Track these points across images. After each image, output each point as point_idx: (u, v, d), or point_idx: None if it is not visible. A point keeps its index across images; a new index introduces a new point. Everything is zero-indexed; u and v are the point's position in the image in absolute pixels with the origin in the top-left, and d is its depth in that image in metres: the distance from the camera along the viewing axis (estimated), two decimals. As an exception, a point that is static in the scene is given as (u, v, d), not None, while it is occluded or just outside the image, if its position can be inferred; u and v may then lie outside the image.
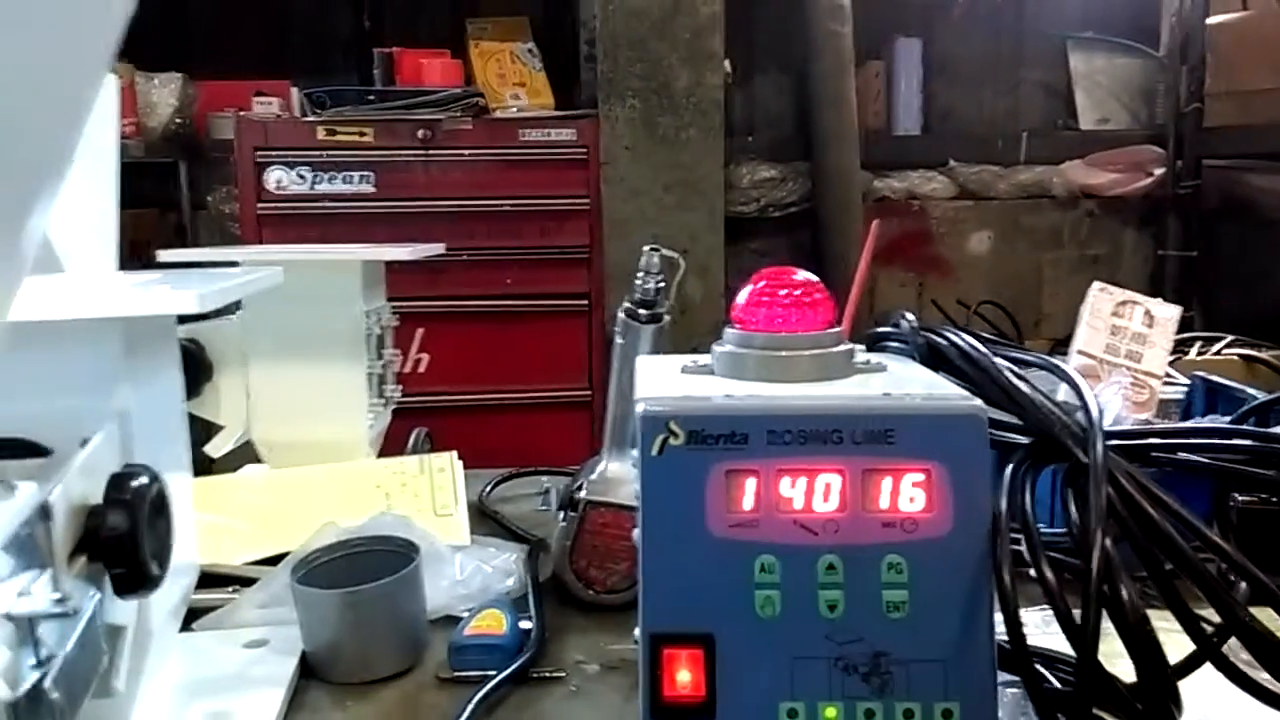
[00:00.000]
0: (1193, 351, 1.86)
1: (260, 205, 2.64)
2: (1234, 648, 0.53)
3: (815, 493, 0.55)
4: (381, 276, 1.28)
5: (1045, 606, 0.54)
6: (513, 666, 0.74)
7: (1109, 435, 0.58)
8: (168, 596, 0.67)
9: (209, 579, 0.88)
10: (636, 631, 0.56)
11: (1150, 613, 0.52)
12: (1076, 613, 0.52)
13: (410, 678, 0.76)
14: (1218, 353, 1.86)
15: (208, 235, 3.20)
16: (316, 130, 2.64)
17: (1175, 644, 0.54)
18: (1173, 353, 1.18)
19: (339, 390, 1.18)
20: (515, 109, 2.79)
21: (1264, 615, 0.53)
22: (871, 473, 0.55)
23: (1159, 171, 3.35)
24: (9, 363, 0.46)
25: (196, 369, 1.14)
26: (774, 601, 0.55)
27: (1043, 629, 0.66)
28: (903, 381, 0.61)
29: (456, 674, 0.75)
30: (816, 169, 3.12)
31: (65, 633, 0.43)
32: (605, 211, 2.73)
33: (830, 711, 0.54)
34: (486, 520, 1.11)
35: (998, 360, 0.65)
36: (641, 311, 0.88)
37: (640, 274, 0.89)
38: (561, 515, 0.88)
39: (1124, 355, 1.13)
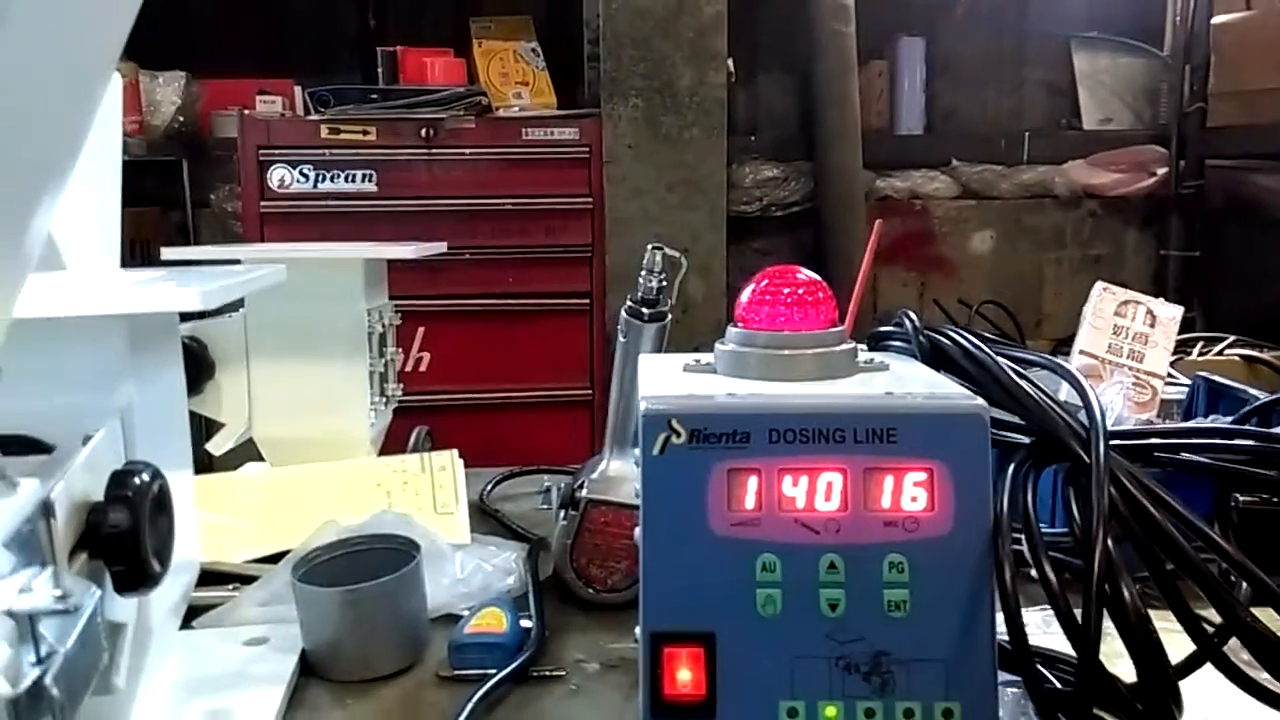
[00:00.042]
0: (1194, 352, 1.86)
1: (263, 204, 2.65)
2: (1235, 648, 0.53)
3: (817, 492, 0.55)
4: (383, 275, 1.28)
5: (1046, 606, 0.54)
6: (513, 665, 0.74)
7: (1111, 435, 0.58)
8: (168, 594, 0.67)
9: (209, 577, 0.88)
10: (637, 630, 0.56)
11: (1151, 613, 0.52)
12: (1077, 613, 0.52)
13: (410, 676, 0.76)
14: (1219, 353, 1.86)
15: (210, 233, 3.20)
16: (319, 129, 2.64)
17: (1176, 644, 0.54)
18: (1174, 353, 1.18)
19: (340, 388, 1.19)
20: (518, 108, 2.79)
21: (1265, 615, 0.53)
22: (873, 472, 0.55)
23: (1162, 171, 3.35)
24: (12, 359, 0.46)
25: (198, 367, 1.14)
26: (775, 600, 0.55)
27: (1043, 629, 0.66)
28: (905, 381, 0.61)
29: (457, 672, 0.75)
30: (819, 168, 3.12)
31: (66, 630, 0.43)
32: (607, 210, 2.73)
33: (831, 710, 0.54)
34: (487, 519, 1.11)
35: (1000, 360, 0.65)
36: (644, 310, 0.88)
37: (643, 273, 0.89)
38: (562, 514, 0.88)
39: (1126, 355, 1.13)
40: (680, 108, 2.72)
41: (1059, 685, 0.61)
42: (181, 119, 3.07)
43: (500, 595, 0.85)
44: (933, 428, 0.55)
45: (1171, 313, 1.16)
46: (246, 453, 1.20)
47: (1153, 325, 1.14)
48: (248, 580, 0.89)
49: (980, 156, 3.39)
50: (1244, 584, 0.54)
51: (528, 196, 2.71)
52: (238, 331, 1.17)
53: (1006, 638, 0.54)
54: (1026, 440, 0.62)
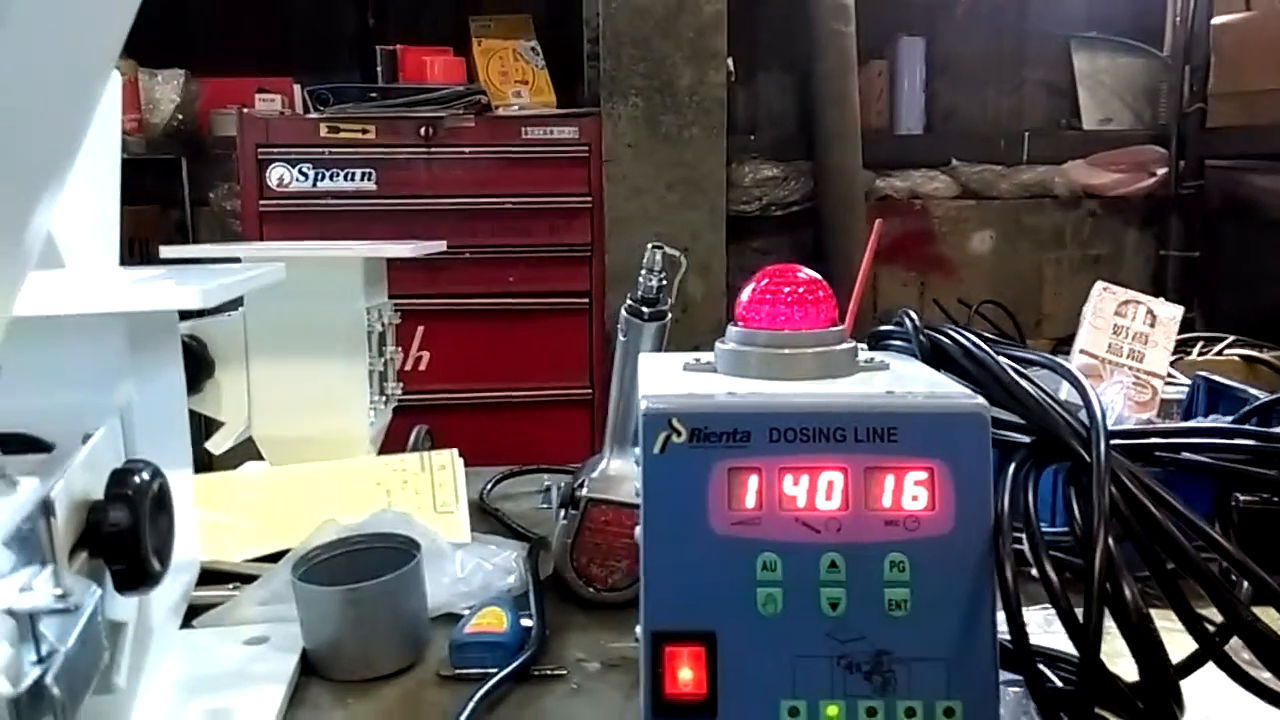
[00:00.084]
0: (1194, 352, 1.86)
1: (262, 202, 2.65)
2: (1236, 647, 0.53)
3: (817, 491, 0.55)
4: (383, 274, 1.28)
5: (1047, 605, 0.54)
6: (514, 664, 0.74)
7: (1111, 435, 0.58)
8: (168, 593, 0.67)
9: (210, 576, 0.88)
10: (638, 629, 0.56)
11: (1152, 612, 0.52)
12: (1078, 612, 0.52)
13: (411, 675, 0.76)
14: (1219, 353, 1.86)
15: (209, 232, 3.20)
16: (319, 127, 2.64)
17: (1177, 643, 0.54)
18: (1174, 353, 1.18)
19: (340, 387, 1.18)
20: (517, 107, 2.79)
21: (1266, 614, 0.53)
22: (874, 471, 0.55)
23: (1161, 172, 3.35)
24: (11, 358, 0.46)
25: (198, 365, 1.14)
26: (776, 599, 0.55)
27: (1044, 628, 0.66)
28: (905, 380, 0.61)
29: (457, 671, 0.75)
30: (819, 168, 3.12)
31: (66, 629, 0.43)
32: (607, 209, 2.73)
33: (832, 710, 0.54)
34: (487, 518, 1.11)
35: (1001, 359, 0.65)
36: (644, 309, 0.88)
37: (643, 272, 0.89)
38: (562, 513, 0.88)
39: (1126, 355, 1.13)
40: (680, 107, 2.72)
41: (1060, 684, 0.61)
42: (180, 117, 3.07)
43: (501, 594, 0.85)
44: (933, 427, 0.55)
45: (1171, 312, 1.16)
46: (246, 452, 1.20)
47: (1153, 325, 1.14)
48: (248, 579, 0.89)
49: (980, 156, 3.39)
50: (1245, 583, 0.54)
51: (527, 195, 2.71)
52: (237, 330, 1.17)
53: (1008, 637, 0.54)
54: (1027, 439, 0.62)
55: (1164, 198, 3.39)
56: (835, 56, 2.98)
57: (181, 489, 0.66)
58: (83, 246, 0.79)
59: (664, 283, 0.89)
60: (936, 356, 0.69)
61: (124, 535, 0.50)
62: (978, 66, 3.48)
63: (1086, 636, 0.52)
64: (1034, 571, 0.55)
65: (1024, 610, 0.53)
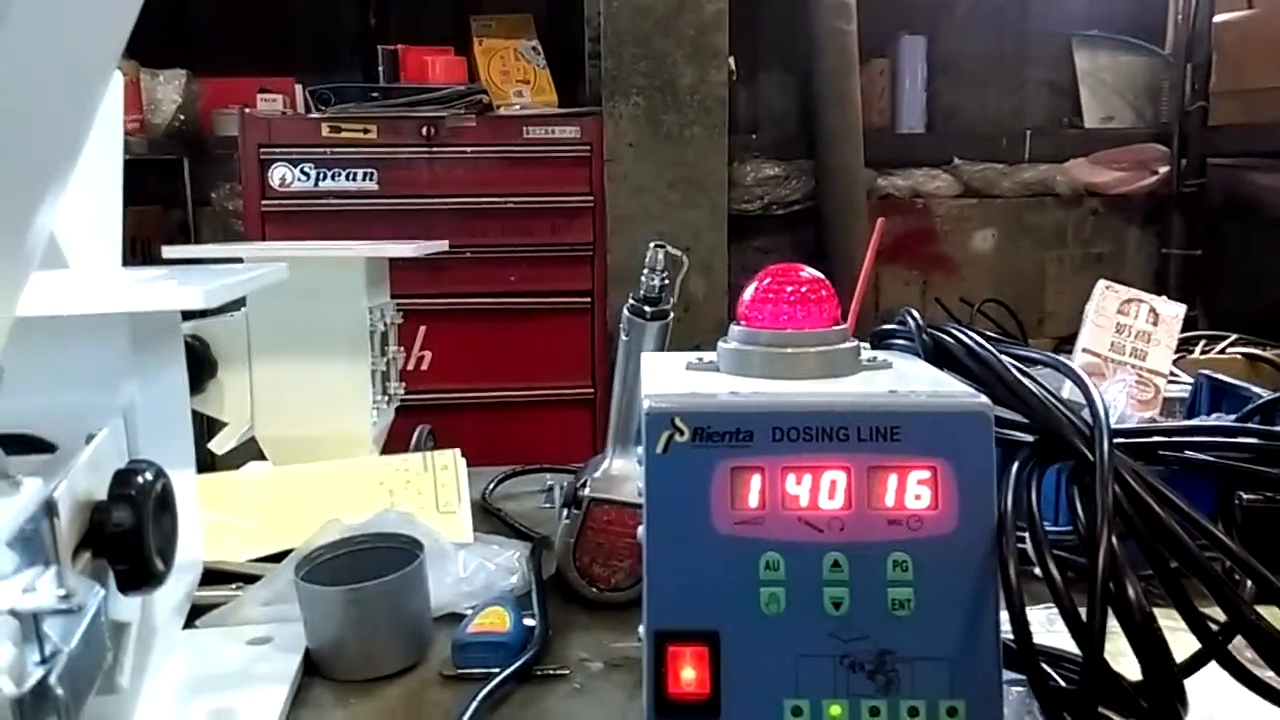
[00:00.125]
0: (1197, 350, 1.86)
1: (264, 202, 2.65)
2: (1240, 646, 0.53)
3: (820, 490, 0.55)
4: (385, 273, 1.28)
5: (1050, 605, 0.54)
6: (516, 664, 0.74)
7: (1115, 433, 0.58)
8: (172, 593, 0.67)
9: (212, 576, 0.88)
10: (641, 629, 0.56)
11: (1156, 611, 0.52)
12: (1082, 611, 0.52)
13: (414, 675, 0.76)
14: (1221, 351, 1.86)
15: (211, 232, 3.20)
16: (320, 127, 2.64)
17: (1181, 642, 0.54)
18: (1176, 351, 1.18)
19: (342, 387, 1.18)
20: (519, 106, 2.79)
21: (1270, 613, 0.53)
22: (877, 470, 0.55)
23: (1163, 170, 3.34)
24: (14, 358, 0.46)
25: (200, 365, 1.14)
26: (779, 599, 0.55)
27: (1048, 627, 0.65)
28: (908, 379, 0.61)
29: (460, 671, 0.75)
30: (820, 167, 3.12)
31: (70, 629, 0.43)
32: (609, 209, 2.73)
33: (835, 709, 0.54)
34: (490, 518, 1.11)
35: (1004, 358, 0.65)
36: (646, 308, 0.88)
37: (645, 271, 0.89)
38: (565, 513, 0.88)
39: (1129, 353, 1.13)
40: (681, 106, 2.72)
41: (1064, 684, 0.61)
42: (182, 117, 3.07)
43: (503, 594, 0.85)
44: (937, 426, 0.55)
45: (1174, 311, 1.16)
46: (249, 452, 1.20)
47: (1155, 323, 1.14)
48: (251, 579, 0.89)
49: (982, 155, 3.39)
50: (1248, 582, 0.54)
51: (529, 195, 2.71)
52: (240, 330, 1.17)
53: (1011, 636, 0.54)
54: (1030, 438, 0.62)
55: (1166, 196, 3.38)
56: (837, 55, 2.97)
57: (184, 489, 0.66)
58: (85, 247, 0.79)
59: (666, 282, 0.89)
60: (939, 355, 0.69)
61: (127, 535, 0.50)
62: (979, 65, 3.47)
63: (1090, 636, 0.52)
64: (1037, 570, 0.55)
65: (1027, 609, 0.53)
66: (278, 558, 0.91)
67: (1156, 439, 0.65)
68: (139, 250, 2.78)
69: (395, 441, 1.28)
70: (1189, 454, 0.65)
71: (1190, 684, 0.54)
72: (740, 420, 0.55)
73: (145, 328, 0.64)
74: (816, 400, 0.57)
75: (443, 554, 0.88)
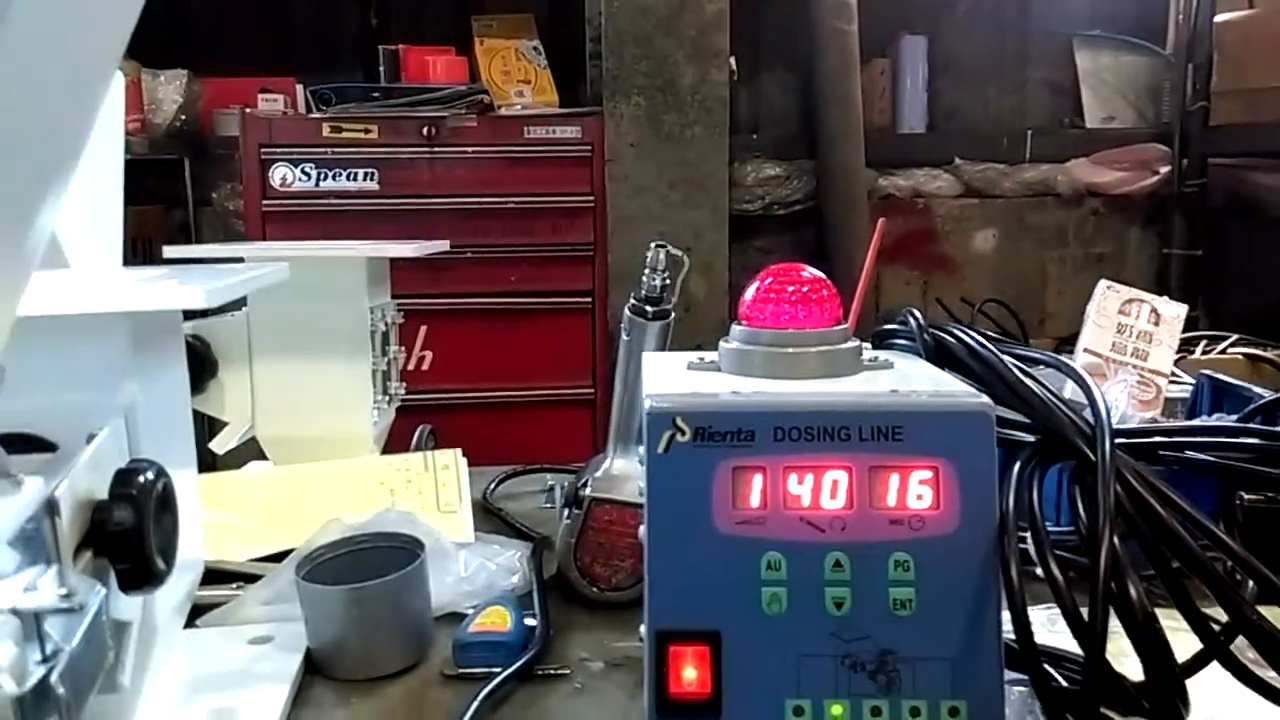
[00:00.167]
0: (1198, 350, 1.86)
1: (265, 202, 2.65)
2: (1241, 646, 0.53)
3: (822, 490, 0.55)
4: (386, 273, 1.28)
5: (1052, 605, 0.54)
6: (517, 664, 0.74)
7: (1116, 433, 0.58)
8: (173, 592, 0.67)
9: (213, 575, 0.88)
10: (642, 629, 0.56)
11: (1158, 611, 0.52)
12: (1084, 611, 0.52)
13: (415, 674, 0.76)
14: (1222, 351, 1.85)
15: (211, 232, 3.20)
16: (321, 127, 2.64)
17: (1183, 642, 0.54)
18: (1178, 352, 1.18)
19: (343, 387, 1.19)
20: (520, 106, 2.79)
21: (1272, 614, 0.53)
22: (879, 470, 0.55)
23: (1164, 170, 3.34)
24: (15, 358, 0.46)
25: (201, 365, 1.14)
26: (780, 599, 0.55)
27: (1049, 627, 0.65)
28: (910, 379, 0.61)
29: (461, 671, 0.75)
30: (821, 167, 3.12)
31: (71, 628, 0.43)
32: (610, 209, 2.73)
33: (836, 709, 0.54)
34: (491, 517, 1.11)
35: (1005, 358, 0.65)
36: (648, 308, 0.88)
37: (647, 270, 0.89)
38: (566, 512, 0.88)
39: (1130, 354, 1.13)
40: (682, 106, 2.72)
41: (1065, 684, 0.61)
42: (183, 117, 3.07)
43: (504, 594, 0.85)
44: (938, 426, 0.55)
45: (1176, 311, 1.16)
46: (250, 451, 1.20)
47: (1157, 323, 1.14)
48: (252, 579, 0.89)
49: (983, 155, 3.38)
50: (1250, 582, 0.54)
51: (530, 195, 2.71)
52: (241, 330, 1.17)
53: (1013, 636, 0.54)
54: (1032, 438, 0.62)
55: (1167, 196, 3.38)
56: (837, 55, 2.97)
57: (185, 488, 0.66)
58: (86, 247, 0.79)
59: (667, 282, 0.89)
60: (941, 355, 0.69)
61: (128, 535, 0.50)
62: (980, 65, 3.47)
63: (1092, 636, 0.52)
64: (1039, 570, 0.55)
65: (1029, 609, 0.53)
66: (279, 557, 0.91)
67: (1158, 439, 0.65)
68: (140, 250, 2.78)
69: (396, 441, 1.28)
70: (1190, 454, 0.65)
71: (1192, 684, 0.54)
72: (742, 420, 0.55)
73: (146, 327, 0.64)
74: (818, 400, 0.57)
75: (444, 553, 0.88)
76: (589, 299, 2.78)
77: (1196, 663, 0.55)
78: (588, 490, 0.87)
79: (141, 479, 0.51)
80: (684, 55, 2.70)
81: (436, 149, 2.67)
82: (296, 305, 1.14)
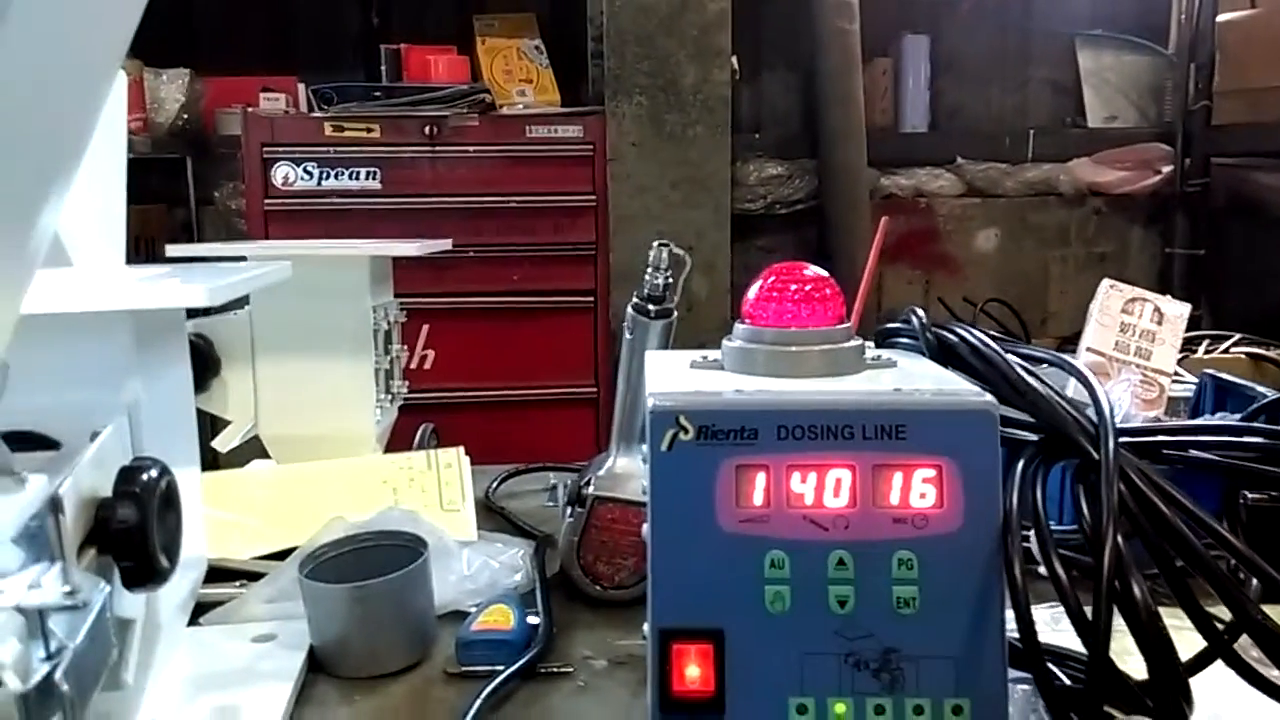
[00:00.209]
0: (1201, 350, 1.85)
1: (267, 201, 2.65)
2: (1245, 644, 0.53)
3: (825, 488, 0.55)
4: (389, 272, 1.28)
5: (1056, 603, 0.54)
6: (520, 662, 0.74)
7: (1120, 432, 0.58)
8: (176, 590, 0.67)
9: (217, 573, 0.88)
10: (645, 627, 0.56)
11: (1161, 609, 0.52)
12: (1087, 610, 0.52)
13: (418, 672, 0.76)
14: (1225, 351, 1.85)
15: (214, 231, 3.20)
16: (323, 126, 2.64)
17: (1186, 641, 0.54)
18: (1181, 351, 1.18)
19: (346, 385, 1.19)
20: (522, 105, 2.79)
21: (1275, 612, 0.53)
22: (882, 468, 0.55)
23: (1167, 169, 3.34)
24: (19, 356, 0.46)
25: (204, 364, 1.14)
26: (784, 597, 0.55)
27: (1053, 626, 0.65)
28: (913, 377, 0.61)
29: (464, 669, 0.75)
30: (823, 166, 3.12)
31: (75, 625, 0.43)
32: (612, 208, 2.73)
33: (840, 707, 0.54)
34: (493, 516, 1.11)
35: (1009, 356, 0.65)
36: (650, 307, 0.88)
37: (649, 269, 0.89)
38: (569, 511, 0.88)
39: (1133, 353, 1.13)
40: (684, 105, 2.72)
41: (1069, 682, 0.61)
42: (186, 116, 3.07)
43: (507, 592, 0.85)
44: (942, 424, 0.55)
45: (1179, 310, 1.16)
46: (253, 450, 1.20)
47: (1160, 323, 1.14)
48: (255, 577, 0.89)
49: (985, 154, 3.38)
50: (1254, 580, 0.54)
51: (532, 194, 2.71)
52: (243, 328, 1.17)
53: (1016, 635, 0.54)
54: (1035, 437, 0.62)
55: (1169, 195, 3.38)
56: (839, 54, 2.97)
57: (189, 486, 0.67)
58: (89, 245, 0.79)
59: (670, 281, 0.89)
60: (944, 354, 0.69)
61: (132, 532, 0.50)
62: (982, 64, 3.47)
63: (1095, 634, 0.52)
64: (1042, 569, 0.55)
65: (1032, 608, 0.53)
66: (282, 555, 0.91)
67: (1161, 438, 0.65)
68: (142, 249, 2.78)
69: (398, 440, 1.28)
70: (1194, 453, 0.65)
71: (1195, 682, 0.54)
72: (745, 418, 0.55)
73: (149, 326, 0.64)
74: (821, 399, 0.57)
75: (447, 552, 0.88)
76: (591, 298, 2.78)
77: (1200, 661, 0.55)
78: (591, 488, 0.87)
79: (145, 477, 0.51)
80: (686, 55, 2.70)
81: (438, 148, 2.67)
82: (299, 304, 1.14)
